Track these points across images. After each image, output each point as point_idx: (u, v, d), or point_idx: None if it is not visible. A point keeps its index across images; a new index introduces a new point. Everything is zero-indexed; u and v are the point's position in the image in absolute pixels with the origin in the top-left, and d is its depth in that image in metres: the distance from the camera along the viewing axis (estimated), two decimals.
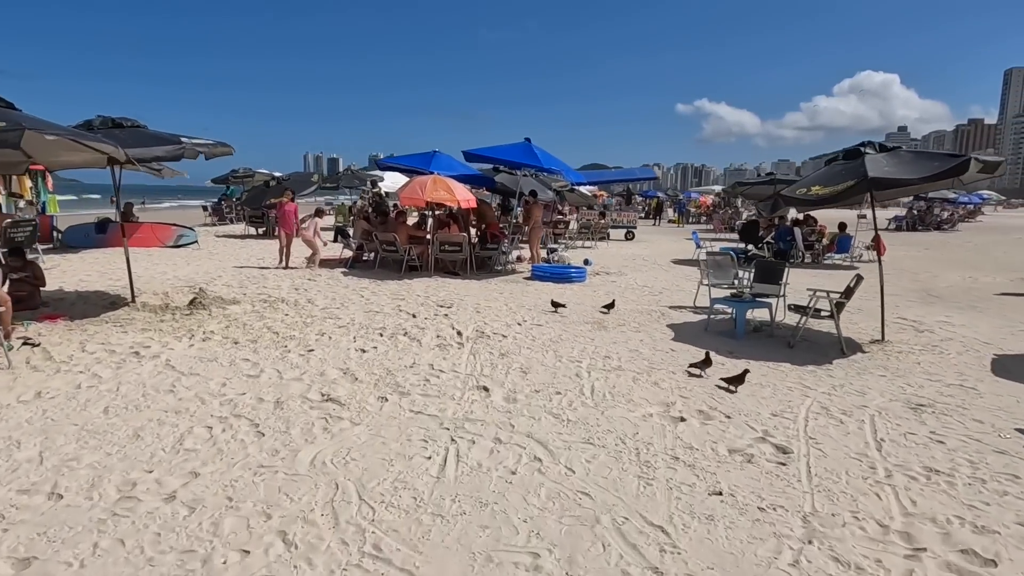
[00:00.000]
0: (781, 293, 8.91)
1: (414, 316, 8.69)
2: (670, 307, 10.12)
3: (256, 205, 20.35)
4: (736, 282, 10.08)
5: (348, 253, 13.98)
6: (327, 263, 14.00)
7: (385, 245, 12.87)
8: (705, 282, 9.97)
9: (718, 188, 41.30)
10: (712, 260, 10.21)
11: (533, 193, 14.38)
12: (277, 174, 22.96)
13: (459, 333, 7.74)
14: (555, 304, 9.56)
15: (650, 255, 19.29)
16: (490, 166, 14.94)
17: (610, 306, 9.57)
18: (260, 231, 21.29)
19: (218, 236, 20.87)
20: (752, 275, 9.48)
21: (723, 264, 10.22)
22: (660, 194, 48.23)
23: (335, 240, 14.09)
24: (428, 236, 13.16)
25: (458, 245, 12.73)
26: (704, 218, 41.87)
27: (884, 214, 40.87)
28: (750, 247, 17.17)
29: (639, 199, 44.89)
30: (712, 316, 8.86)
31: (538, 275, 12.71)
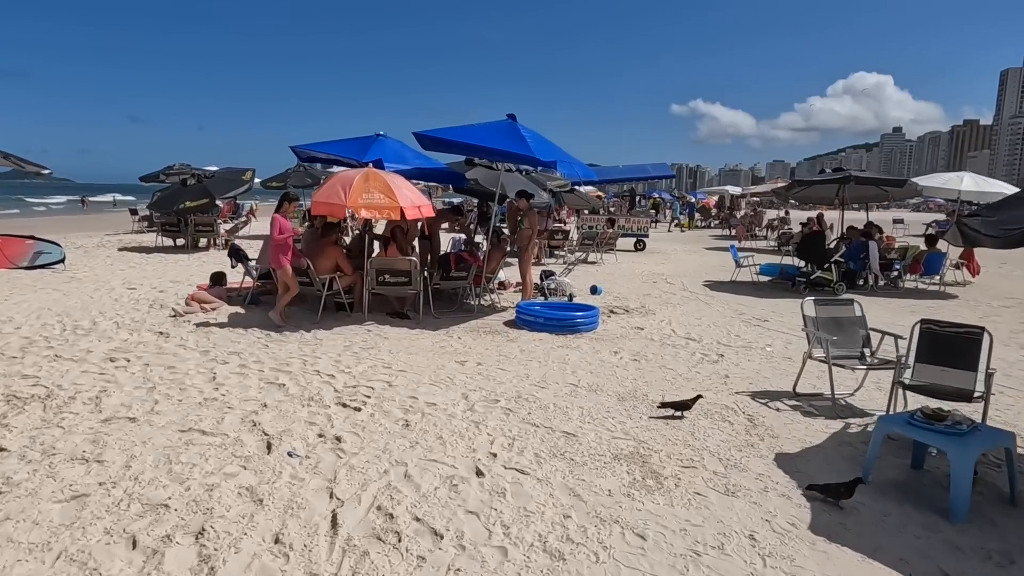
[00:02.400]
0: (981, 389, 4.61)
1: (270, 445, 4.33)
2: (754, 396, 5.79)
3: (168, 209, 15.92)
4: (868, 353, 5.78)
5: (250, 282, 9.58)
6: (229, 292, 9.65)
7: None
8: (818, 355, 5.66)
9: (737, 189, 36.99)
10: (826, 317, 5.88)
11: (524, 194, 10.00)
12: (211, 168, 18.49)
13: (333, 522, 3.38)
14: (671, 406, 5.24)
15: (673, 274, 14.99)
16: (461, 158, 10.61)
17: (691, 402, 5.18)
18: (178, 243, 16.85)
19: (122, 249, 16.42)
20: (912, 347, 5.15)
21: (844, 322, 5.90)
22: (665, 195, 43.94)
23: (233, 265, 9.69)
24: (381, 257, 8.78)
25: (404, 274, 8.38)
26: (716, 222, 37.67)
27: (919, 217, 36.72)
28: (808, 267, 12.90)
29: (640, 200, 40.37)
30: (872, 434, 4.53)
31: (526, 320, 8.36)
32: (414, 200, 8.08)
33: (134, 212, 23.47)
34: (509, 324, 8.60)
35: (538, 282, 11.27)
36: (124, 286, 10.61)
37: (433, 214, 8.41)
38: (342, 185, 7.87)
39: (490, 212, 12.66)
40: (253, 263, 9.40)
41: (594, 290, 11.52)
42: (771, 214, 31.57)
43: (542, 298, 10.65)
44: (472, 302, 9.67)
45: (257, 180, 22.52)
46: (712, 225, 37.38)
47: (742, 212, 31.27)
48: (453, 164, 10.47)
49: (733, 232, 28.92)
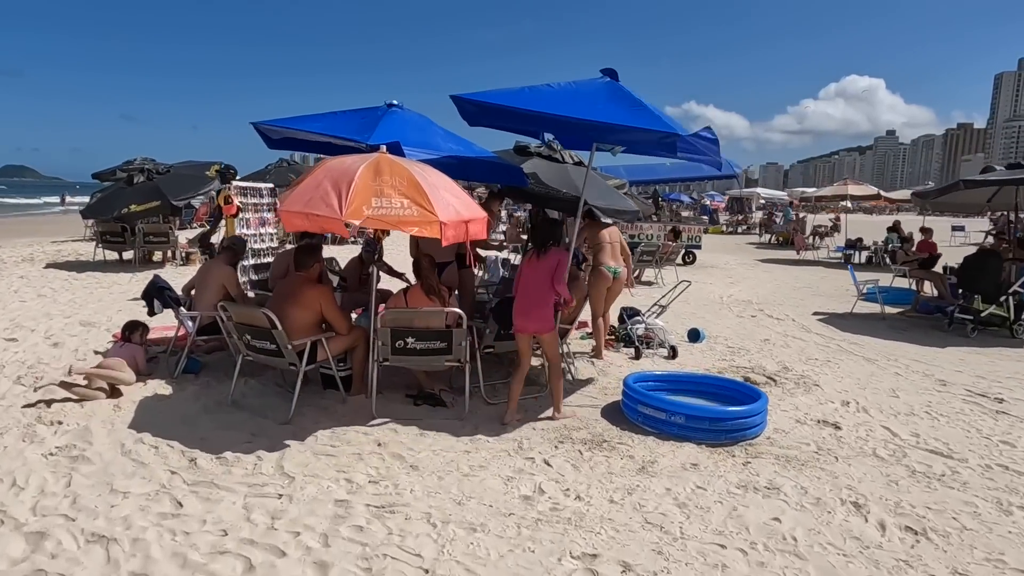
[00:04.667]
0: None
1: None
2: None
3: (107, 215, 12.34)
4: None
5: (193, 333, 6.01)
6: (156, 342, 6.19)
7: (248, 334, 4.92)
8: None
9: (780, 194, 33.53)
10: None
11: (591, 214, 6.50)
12: (164, 164, 14.84)
13: None
14: None
15: (760, 300, 11.63)
16: (515, 140, 7.11)
17: None
18: (124, 257, 13.27)
19: (50, 265, 12.79)
20: None
21: None
22: (684, 197, 40.59)
23: (152, 311, 6.15)
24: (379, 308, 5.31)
25: (441, 335, 4.86)
26: (743, 227, 34.38)
27: (975, 224, 33.47)
28: (962, 298, 9.45)
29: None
30: None
31: (647, 415, 4.84)
32: (461, 209, 4.57)
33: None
34: (610, 415, 5.13)
35: (615, 324, 7.83)
36: (2, 334, 7.03)
37: (486, 235, 4.91)
38: (334, 182, 4.35)
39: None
40: (186, 311, 5.83)
41: (695, 336, 8.06)
42: (813, 220, 28.14)
43: (630, 351, 7.23)
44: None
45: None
46: (740, 231, 34.10)
47: (781, 218, 27.91)
48: (503, 154, 6.94)
49: (772, 239, 25.57)
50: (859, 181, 20.60)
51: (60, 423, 4.53)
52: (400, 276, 6.63)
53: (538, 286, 4.83)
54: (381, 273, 5.82)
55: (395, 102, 6.25)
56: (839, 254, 19.77)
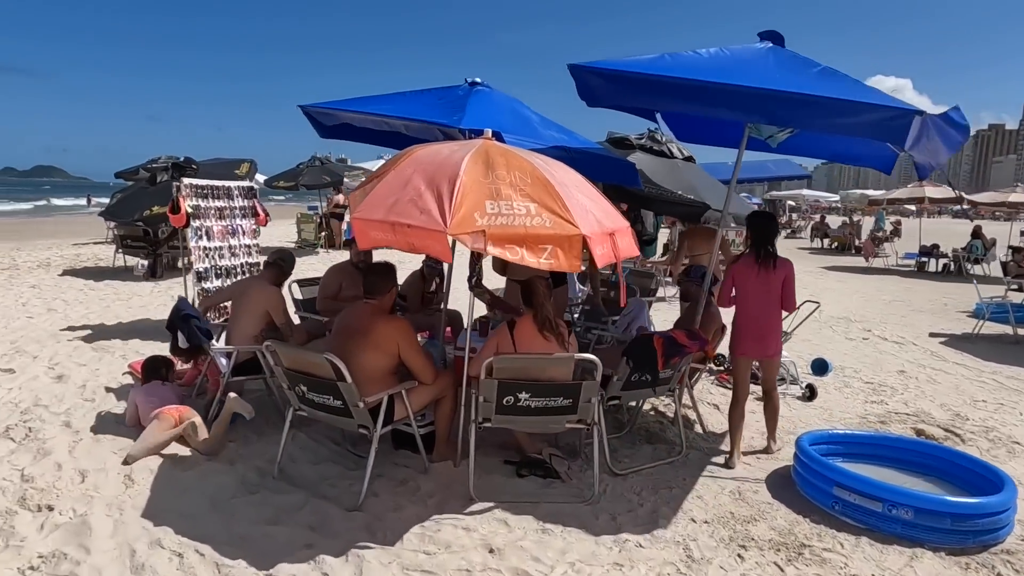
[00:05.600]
0: None
1: None
2: None
3: (127, 218, 11.25)
4: None
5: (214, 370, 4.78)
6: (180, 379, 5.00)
7: (304, 384, 3.64)
8: None
9: (832, 196, 31.86)
10: None
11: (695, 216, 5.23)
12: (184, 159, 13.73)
13: None
14: None
15: (856, 316, 10.32)
16: (607, 131, 5.82)
17: None
18: (144, 264, 12.17)
19: (67, 272, 11.73)
20: None
21: None
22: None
23: (175, 345, 4.90)
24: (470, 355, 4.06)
25: (565, 390, 3.55)
26: (787, 231, 32.68)
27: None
28: None
29: None
30: None
31: (845, 501, 3.50)
32: (601, 217, 3.27)
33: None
34: (782, 492, 3.79)
35: (723, 353, 6.47)
36: None
37: (637, 250, 3.61)
38: (430, 178, 3.07)
39: (646, 231, 7.90)
40: (217, 343, 4.58)
41: (822, 368, 6.65)
42: (870, 224, 26.43)
43: (756, 389, 5.87)
44: (672, 421, 4.87)
45: (261, 177, 17.93)
46: (784, 235, 32.47)
47: (840, 223, 26.27)
48: (606, 145, 5.65)
49: (827, 243, 24.01)
50: (937, 183, 18.96)
51: (51, 508, 3.31)
52: (513, 310, 4.74)
53: (771, 304, 4.21)
54: (476, 299, 4.49)
55: (478, 80, 4.97)
56: (910, 261, 18.20)
